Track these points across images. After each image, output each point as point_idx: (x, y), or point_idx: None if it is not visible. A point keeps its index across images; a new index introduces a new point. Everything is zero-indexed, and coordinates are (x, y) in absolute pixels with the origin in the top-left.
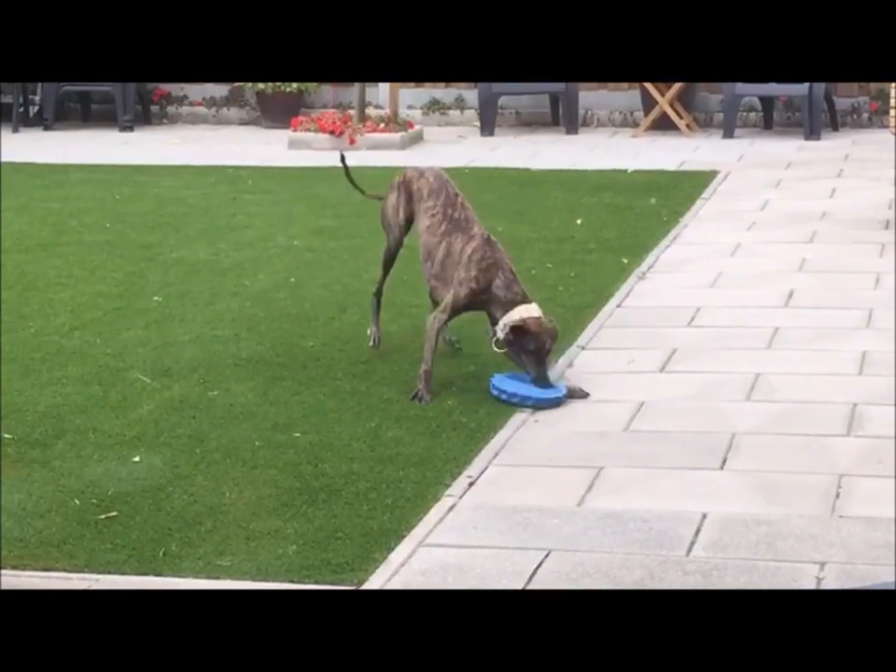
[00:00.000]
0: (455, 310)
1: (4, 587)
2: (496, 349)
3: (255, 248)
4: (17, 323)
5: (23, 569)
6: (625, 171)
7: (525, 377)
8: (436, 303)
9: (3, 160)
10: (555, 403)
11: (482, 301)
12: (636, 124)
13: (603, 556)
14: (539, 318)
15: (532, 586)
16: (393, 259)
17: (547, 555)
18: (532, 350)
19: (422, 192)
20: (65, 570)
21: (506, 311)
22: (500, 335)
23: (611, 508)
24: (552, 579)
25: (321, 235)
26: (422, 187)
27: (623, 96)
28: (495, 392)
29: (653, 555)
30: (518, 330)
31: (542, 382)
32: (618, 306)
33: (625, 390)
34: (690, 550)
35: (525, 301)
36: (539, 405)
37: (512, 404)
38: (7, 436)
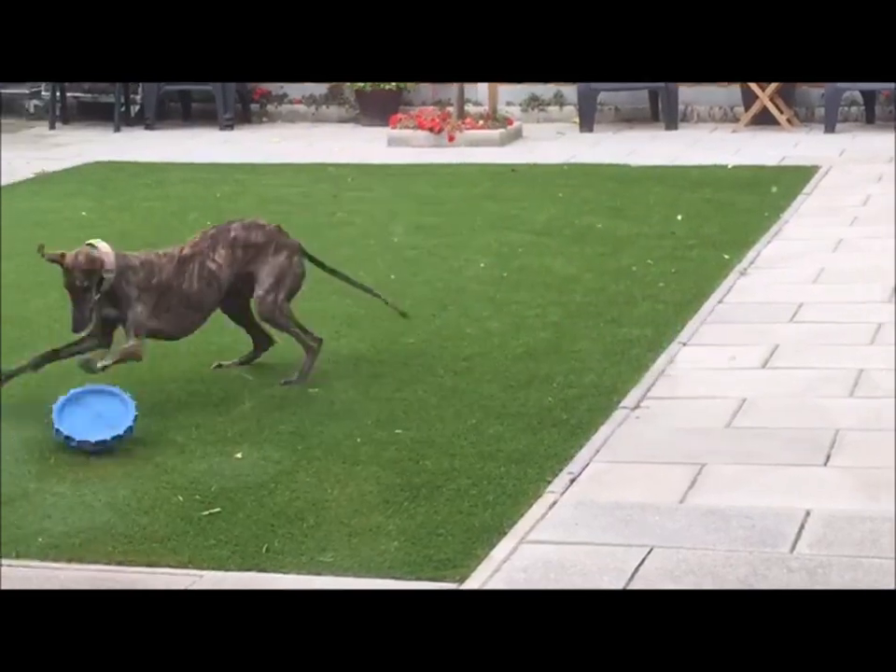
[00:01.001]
0: None
1: (109, 582)
2: None
3: (355, 246)
4: None
5: (129, 565)
6: (726, 166)
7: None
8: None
9: (105, 159)
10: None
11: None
12: (736, 119)
13: (706, 553)
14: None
15: (634, 583)
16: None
17: (649, 552)
18: (66, 284)
19: None
20: (169, 566)
21: None
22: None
23: (714, 505)
24: (654, 576)
25: (422, 232)
26: None
27: (723, 91)
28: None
29: (757, 552)
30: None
31: (76, 327)
32: (719, 302)
33: (727, 387)
34: (794, 547)
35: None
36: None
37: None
38: None
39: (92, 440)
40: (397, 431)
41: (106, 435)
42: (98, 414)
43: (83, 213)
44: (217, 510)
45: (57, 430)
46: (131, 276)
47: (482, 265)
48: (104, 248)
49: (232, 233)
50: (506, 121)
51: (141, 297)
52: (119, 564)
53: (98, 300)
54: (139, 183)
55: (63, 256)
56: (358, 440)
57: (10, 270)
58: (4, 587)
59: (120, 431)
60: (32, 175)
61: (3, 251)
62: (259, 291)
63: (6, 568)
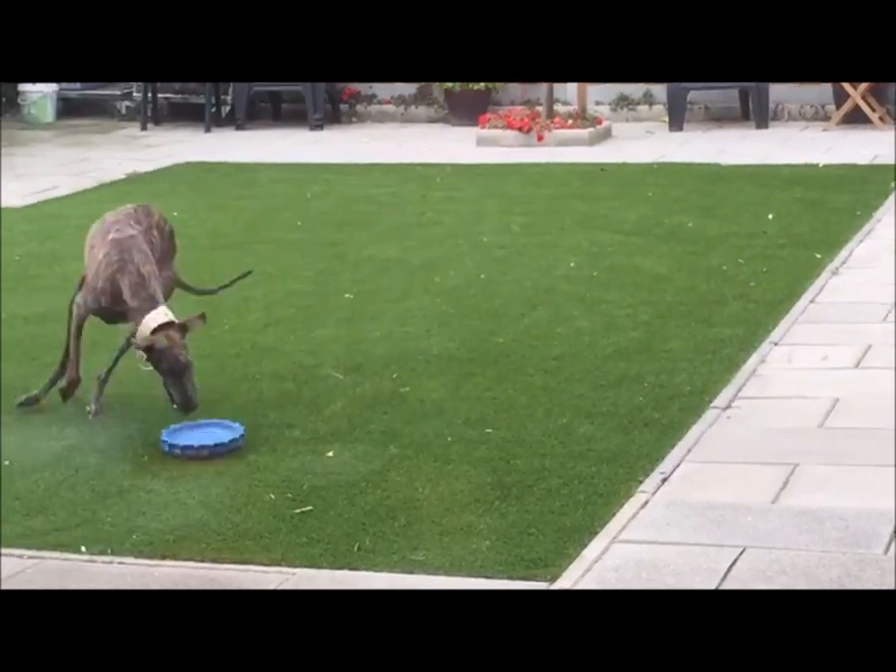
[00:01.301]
0: (80, 314)
1: (203, 579)
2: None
3: (444, 245)
4: (212, 320)
5: (221, 562)
6: (817, 165)
7: (203, 424)
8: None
9: (196, 159)
10: (234, 448)
11: (116, 311)
12: (827, 118)
13: (799, 554)
14: (167, 329)
15: (727, 583)
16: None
17: (742, 553)
18: (168, 369)
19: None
20: (262, 564)
21: (138, 323)
22: (139, 358)
23: (807, 505)
24: (747, 576)
25: (511, 232)
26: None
27: (814, 90)
28: (166, 448)
29: (850, 553)
30: (150, 352)
31: (187, 406)
32: (811, 302)
33: (819, 386)
34: (888, 548)
35: (154, 306)
36: (217, 452)
37: (189, 458)
38: None
39: (181, 443)
40: (487, 430)
41: (195, 441)
42: (208, 436)
43: (175, 213)
44: (309, 508)
45: (163, 441)
46: None
47: (571, 264)
48: (168, 312)
49: (156, 215)
50: (595, 121)
51: None
52: (213, 561)
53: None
54: (230, 183)
55: (151, 345)
56: (449, 439)
57: None
58: (97, 585)
59: (209, 442)
60: (123, 176)
61: None
62: None
63: (99, 565)
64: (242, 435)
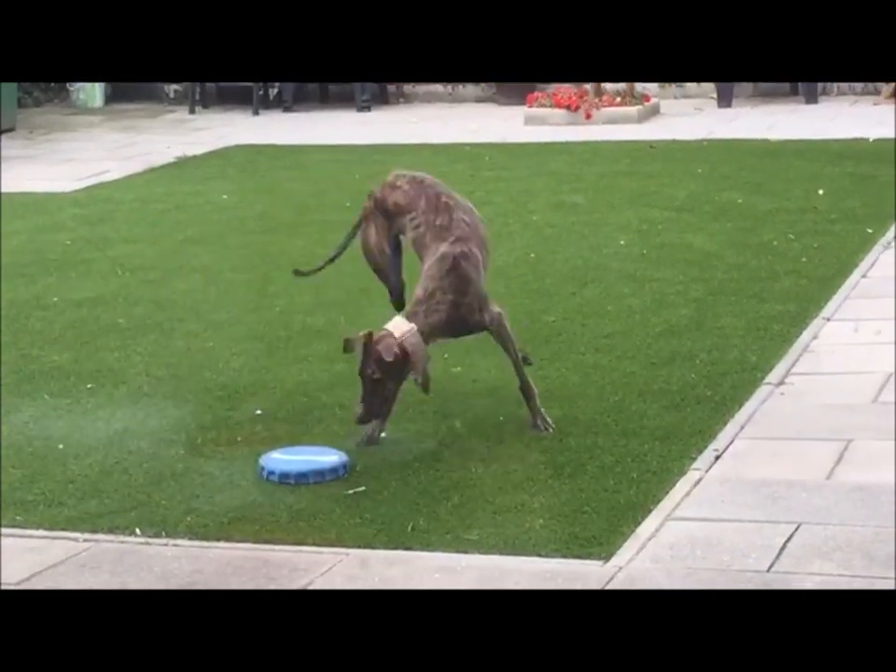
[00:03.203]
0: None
1: (257, 560)
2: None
3: (494, 224)
4: (262, 302)
5: (276, 543)
6: (867, 139)
7: (298, 451)
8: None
9: (244, 142)
10: (336, 474)
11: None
12: (877, 92)
13: (855, 530)
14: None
15: (782, 560)
16: (402, 301)
17: (797, 529)
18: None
19: (400, 206)
20: (316, 544)
21: None
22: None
23: (862, 480)
24: (802, 552)
25: (560, 210)
26: (398, 200)
27: None
28: (263, 475)
29: None
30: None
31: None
32: (863, 276)
33: (873, 361)
34: None
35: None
36: (318, 478)
37: (289, 484)
38: (258, 412)
39: (277, 469)
40: (540, 409)
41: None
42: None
43: (224, 196)
44: (363, 488)
45: (261, 467)
46: None
47: (621, 242)
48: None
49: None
50: (643, 98)
51: None
52: (267, 542)
53: None
54: (278, 165)
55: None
56: (501, 418)
57: (154, 254)
58: (152, 568)
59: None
60: (173, 160)
61: (148, 235)
62: None
63: (154, 548)
64: (345, 464)
